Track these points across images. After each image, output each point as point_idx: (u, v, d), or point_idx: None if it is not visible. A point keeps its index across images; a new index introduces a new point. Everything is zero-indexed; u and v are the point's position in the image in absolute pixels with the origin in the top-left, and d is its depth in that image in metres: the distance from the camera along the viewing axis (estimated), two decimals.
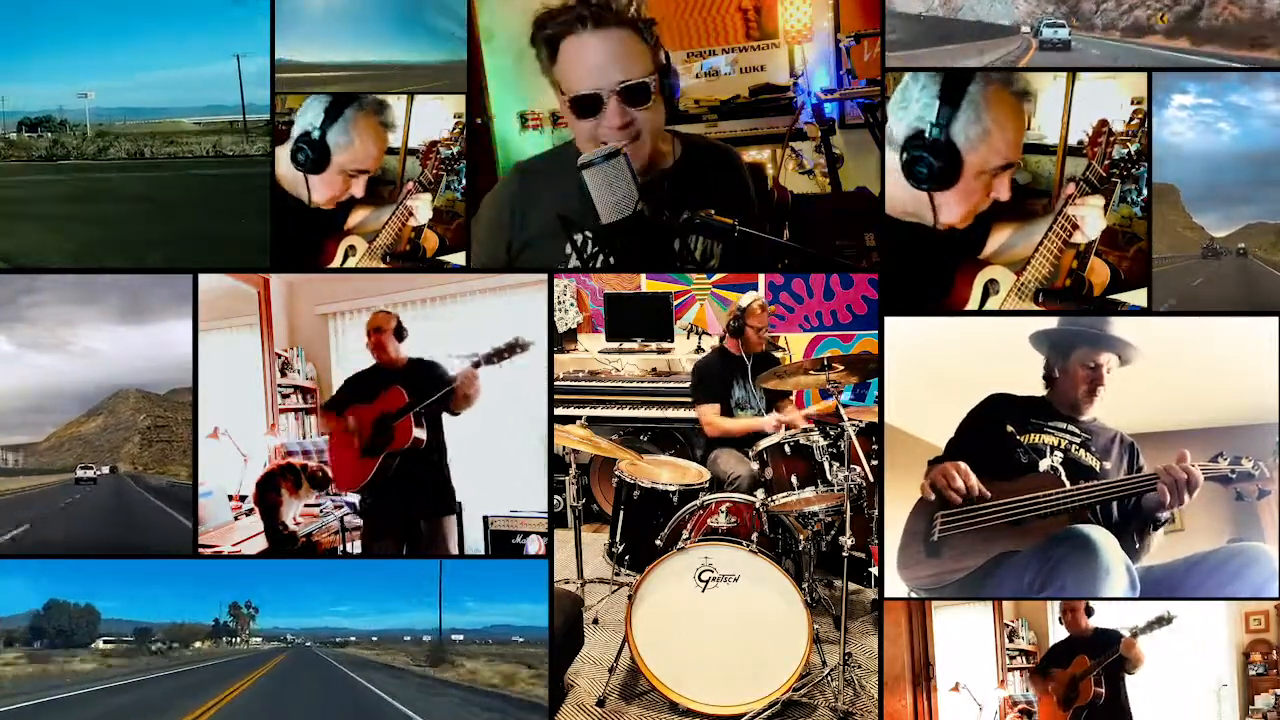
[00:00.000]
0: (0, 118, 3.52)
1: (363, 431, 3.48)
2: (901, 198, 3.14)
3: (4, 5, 3.38)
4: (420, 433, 3.41)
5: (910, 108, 3.13)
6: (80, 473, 3.64)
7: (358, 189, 3.42)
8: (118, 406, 3.61)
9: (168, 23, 3.39)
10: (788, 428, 4.19)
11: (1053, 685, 3.25)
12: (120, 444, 3.59)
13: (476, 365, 3.37)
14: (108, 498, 3.63)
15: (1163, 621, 3.08)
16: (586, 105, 2.60)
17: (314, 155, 3.36)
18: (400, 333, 3.58)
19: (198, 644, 3.80)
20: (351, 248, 3.43)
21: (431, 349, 3.62)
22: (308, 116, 3.38)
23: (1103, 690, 3.14)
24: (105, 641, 3.64)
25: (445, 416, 3.50)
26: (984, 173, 3.06)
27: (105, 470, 3.65)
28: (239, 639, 3.74)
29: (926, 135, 3.06)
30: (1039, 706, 3.33)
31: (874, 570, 3.81)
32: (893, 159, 3.13)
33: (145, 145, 3.57)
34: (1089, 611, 3.22)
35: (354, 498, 4.08)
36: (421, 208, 3.37)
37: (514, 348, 3.32)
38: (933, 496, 3.09)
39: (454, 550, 3.55)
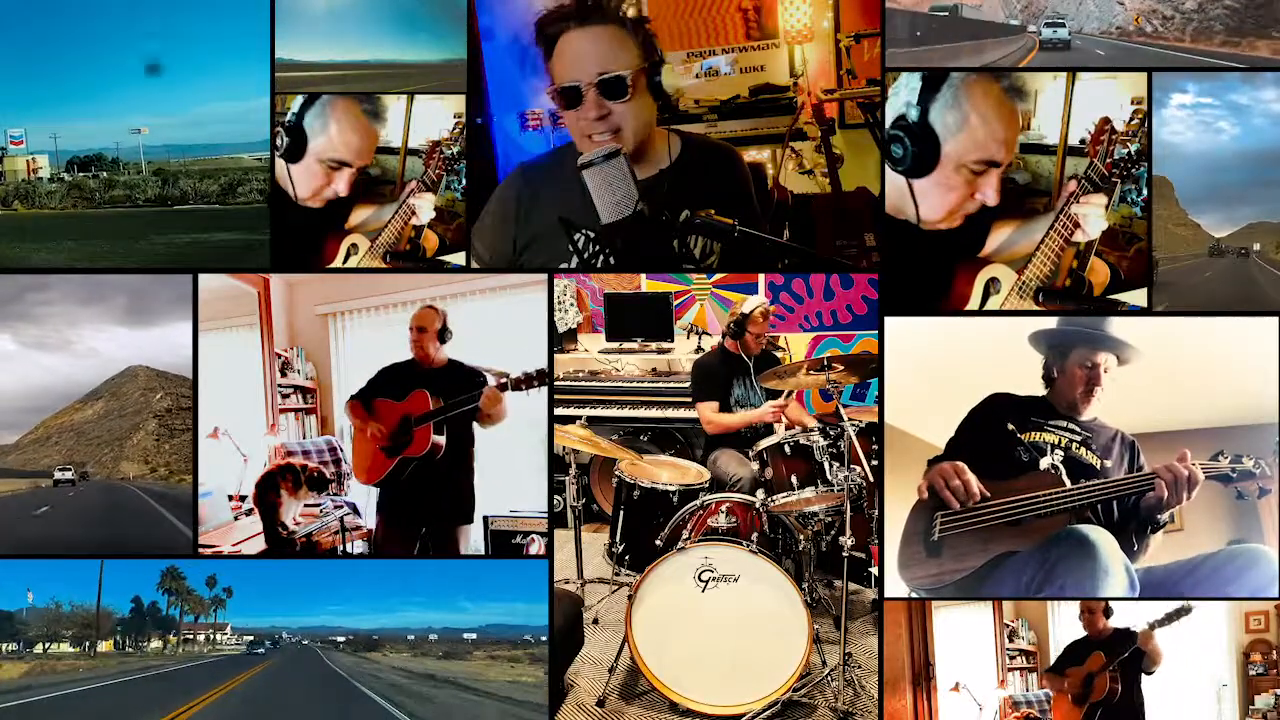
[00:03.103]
0: (53, 157, 3.44)
1: (386, 429, 3.46)
2: (891, 194, 3.15)
3: (56, 42, 3.32)
4: (439, 440, 3.39)
5: (899, 94, 3.14)
6: (59, 474, 3.35)
7: (340, 184, 3.37)
8: (123, 388, 3.29)
9: (217, 56, 3.34)
10: (787, 422, 4.19)
11: (1067, 683, 3.24)
12: (125, 434, 3.26)
13: (503, 389, 3.35)
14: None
15: (1182, 613, 3.08)
16: (567, 96, 2.71)
17: (290, 140, 3.30)
18: (444, 334, 3.54)
19: (154, 644, 3.16)
20: (354, 246, 3.43)
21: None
22: (292, 109, 3.37)
23: (1119, 686, 3.13)
24: None
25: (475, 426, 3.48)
26: (964, 166, 3.05)
27: (76, 474, 3.24)
28: (195, 635, 3.22)
29: (904, 117, 3.08)
30: (1053, 706, 3.32)
31: (874, 570, 3.81)
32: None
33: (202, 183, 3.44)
34: (1108, 613, 3.21)
35: (356, 497, 4.09)
36: (424, 207, 3.36)
37: (542, 376, 3.31)
38: (928, 497, 3.09)
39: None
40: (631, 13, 2.81)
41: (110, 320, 3.38)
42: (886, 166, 3.14)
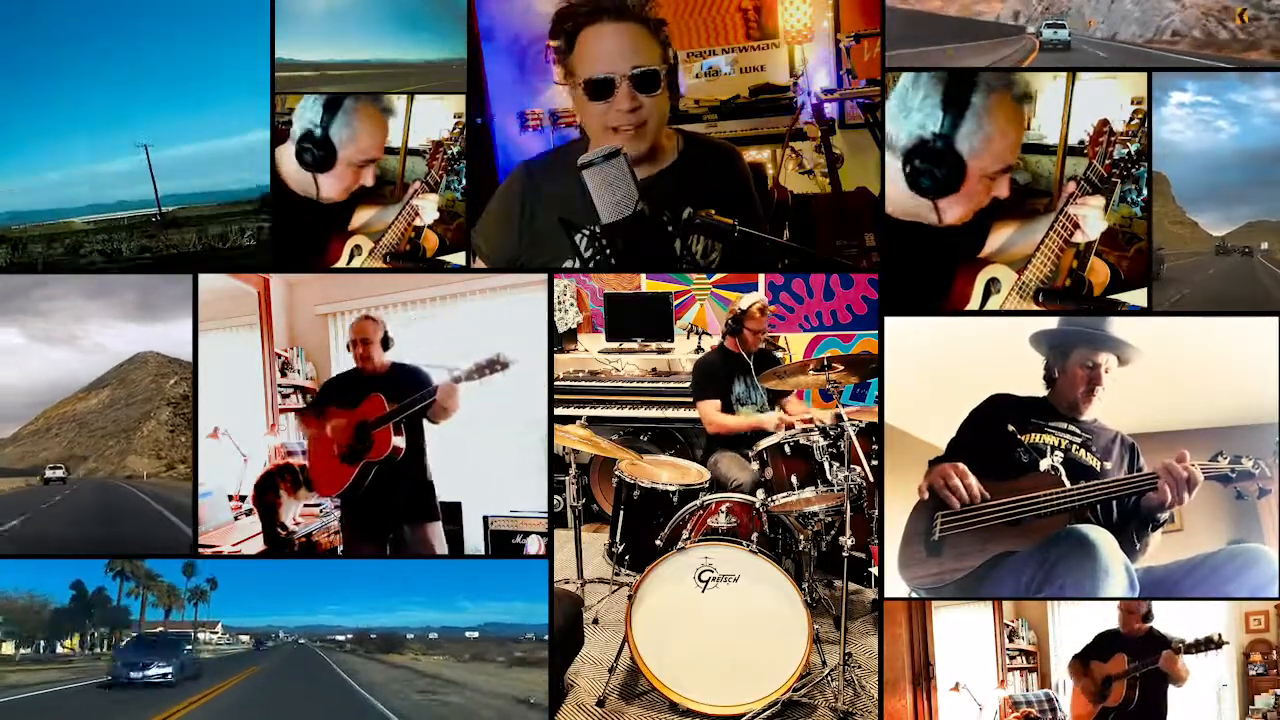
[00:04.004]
0: None
1: (342, 438, 3.42)
2: (902, 199, 3.15)
3: None
4: (399, 441, 3.36)
5: (911, 115, 3.13)
6: (49, 472, 3.16)
7: (368, 178, 3.42)
8: (131, 374, 3.01)
9: (50, 122, 3.35)
10: (789, 427, 4.19)
11: (1087, 678, 3.23)
12: (133, 425, 2.96)
13: (457, 380, 3.31)
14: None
15: (1213, 644, 3.06)
16: (600, 88, 2.69)
17: (321, 153, 3.35)
18: (386, 342, 3.50)
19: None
20: (357, 248, 3.43)
21: (431, 350, 3.61)
22: (307, 115, 3.37)
23: (1135, 695, 3.11)
24: None
25: (426, 423, 3.44)
26: (985, 176, 3.07)
27: (63, 473, 2.96)
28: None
29: (929, 145, 3.07)
30: (1072, 695, 3.31)
31: (874, 570, 3.80)
32: (894, 164, 3.14)
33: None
34: (1147, 617, 3.19)
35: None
36: (428, 208, 3.37)
37: (494, 365, 3.28)
38: (928, 497, 3.09)
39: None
40: (653, 14, 2.81)
41: (118, 316, 3.36)
42: (900, 177, 3.12)
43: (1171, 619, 3.20)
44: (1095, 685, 3.19)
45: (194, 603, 3.00)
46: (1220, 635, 3.07)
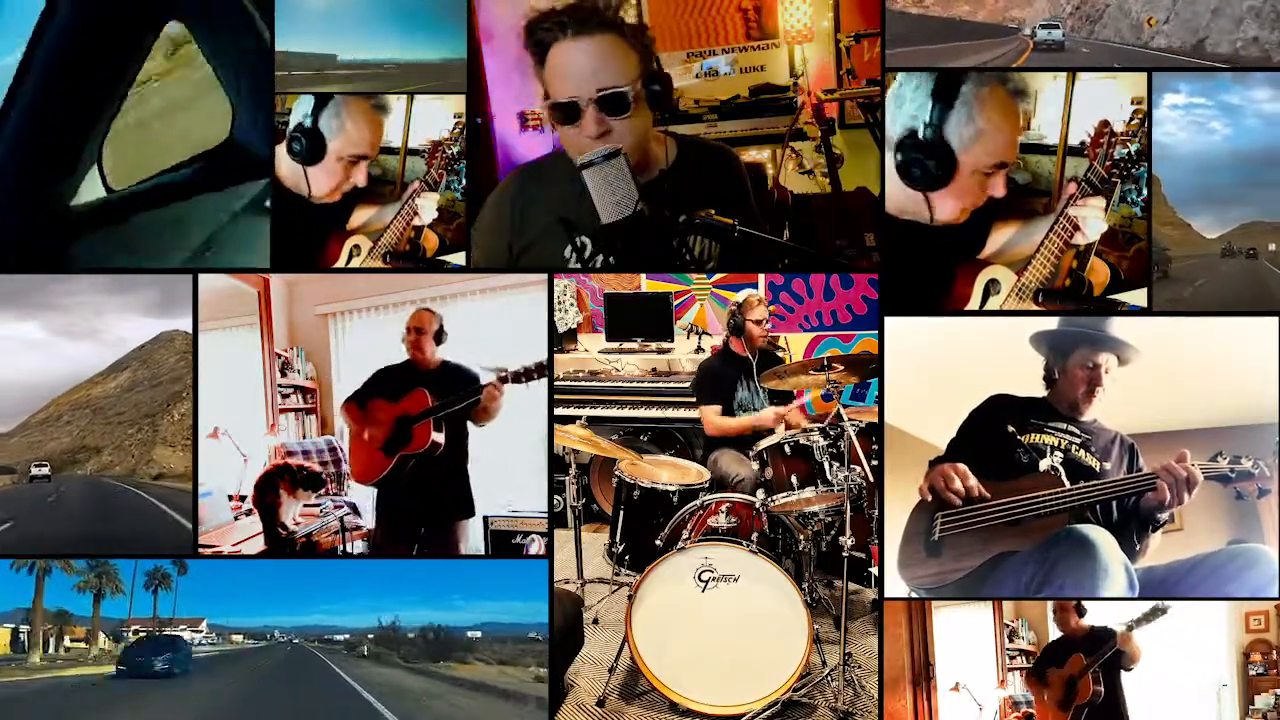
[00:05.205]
0: None
1: (382, 429, 3.48)
2: (898, 196, 3.14)
3: None
4: (438, 437, 3.41)
5: (904, 106, 3.12)
6: (35, 470, 2.90)
7: (359, 177, 3.39)
8: (155, 354, 2.62)
9: None
10: (788, 426, 4.19)
11: (1049, 687, 3.25)
12: (159, 409, 2.53)
13: (503, 381, 3.37)
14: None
15: (1157, 613, 3.08)
16: (565, 112, 2.62)
17: (309, 143, 3.32)
18: (440, 336, 3.57)
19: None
20: (356, 248, 3.43)
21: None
22: (300, 111, 3.38)
23: (1101, 688, 3.13)
24: None
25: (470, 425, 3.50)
26: (978, 171, 3.06)
27: (48, 470, 2.67)
28: (124, 632, 2.22)
29: (920, 136, 3.05)
30: (1036, 710, 3.32)
31: (874, 570, 3.81)
32: (892, 162, 3.13)
33: None
34: (1080, 611, 3.20)
35: (356, 498, 4.08)
36: (427, 207, 3.37)
37: (541, 369, 3.34)
38: (930, 498, 3.09)
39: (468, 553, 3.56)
40: (630, 17, 2.71)
41: (138, 311, 3.34)
42: (902, 182, 3.10)
43: (1170, 620, 3.20)
44: (1060, 690, 3.21)
45: (152, 589, 2.51)
46: (1161, 604, 3.08)
